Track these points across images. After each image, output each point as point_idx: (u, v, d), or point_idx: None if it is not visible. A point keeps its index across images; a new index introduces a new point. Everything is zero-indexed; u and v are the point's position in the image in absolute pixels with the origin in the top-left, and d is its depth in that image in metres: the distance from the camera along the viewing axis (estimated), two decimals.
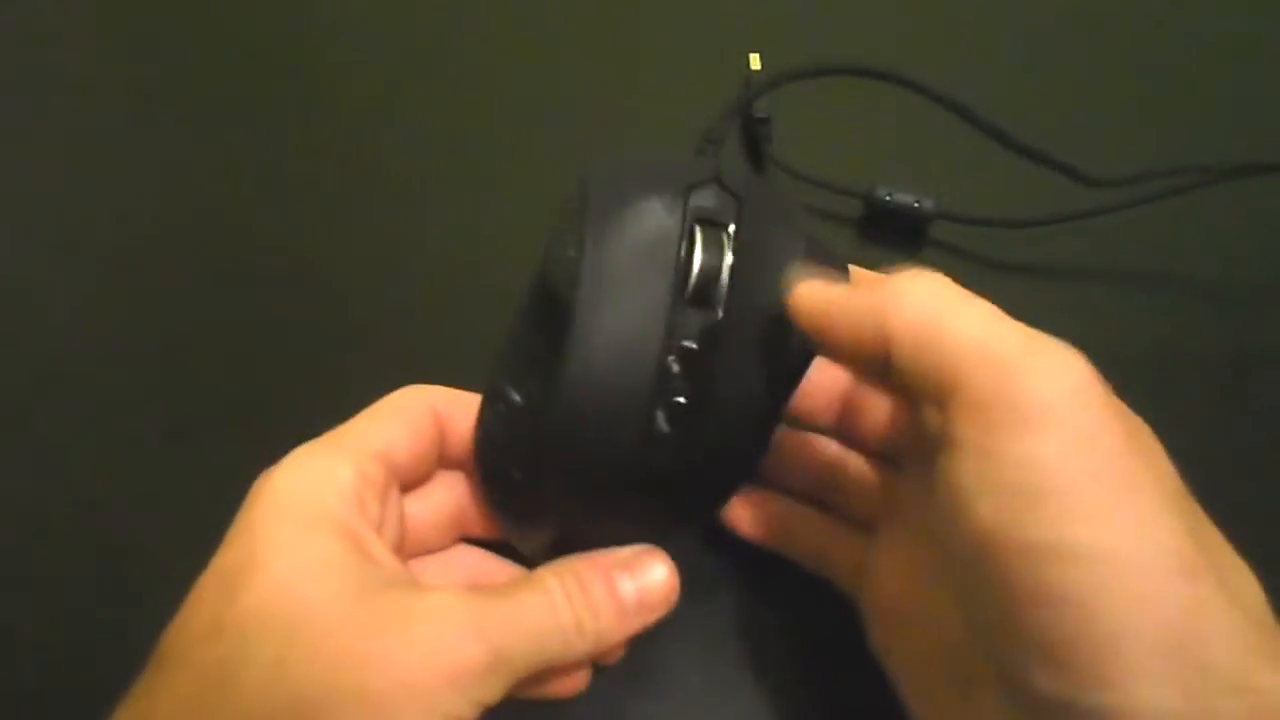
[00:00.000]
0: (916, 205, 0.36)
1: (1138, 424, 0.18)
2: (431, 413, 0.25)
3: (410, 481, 0.25)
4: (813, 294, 0.21)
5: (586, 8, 0.45)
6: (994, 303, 0.35)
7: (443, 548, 0.26)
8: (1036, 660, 0.16)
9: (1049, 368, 0.17)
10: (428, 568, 0.26)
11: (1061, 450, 0.17)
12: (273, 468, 0.23)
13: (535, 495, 0.23)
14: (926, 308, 0.19)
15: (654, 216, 0.21)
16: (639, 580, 0.23)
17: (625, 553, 0.23)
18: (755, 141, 0.39)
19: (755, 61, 0.41)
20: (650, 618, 0.23)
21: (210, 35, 0.45)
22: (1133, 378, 0.33)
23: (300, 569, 0.20)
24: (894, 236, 0.37)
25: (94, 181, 0.40)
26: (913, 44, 0.43)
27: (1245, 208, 0.36)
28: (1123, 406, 0.18)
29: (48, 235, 0.38)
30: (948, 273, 0.35)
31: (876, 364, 0.20)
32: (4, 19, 0.45)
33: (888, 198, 0.36)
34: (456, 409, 0.26)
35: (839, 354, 0.21)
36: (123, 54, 0.45)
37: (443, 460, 0.26)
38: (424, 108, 0.42)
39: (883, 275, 0.21)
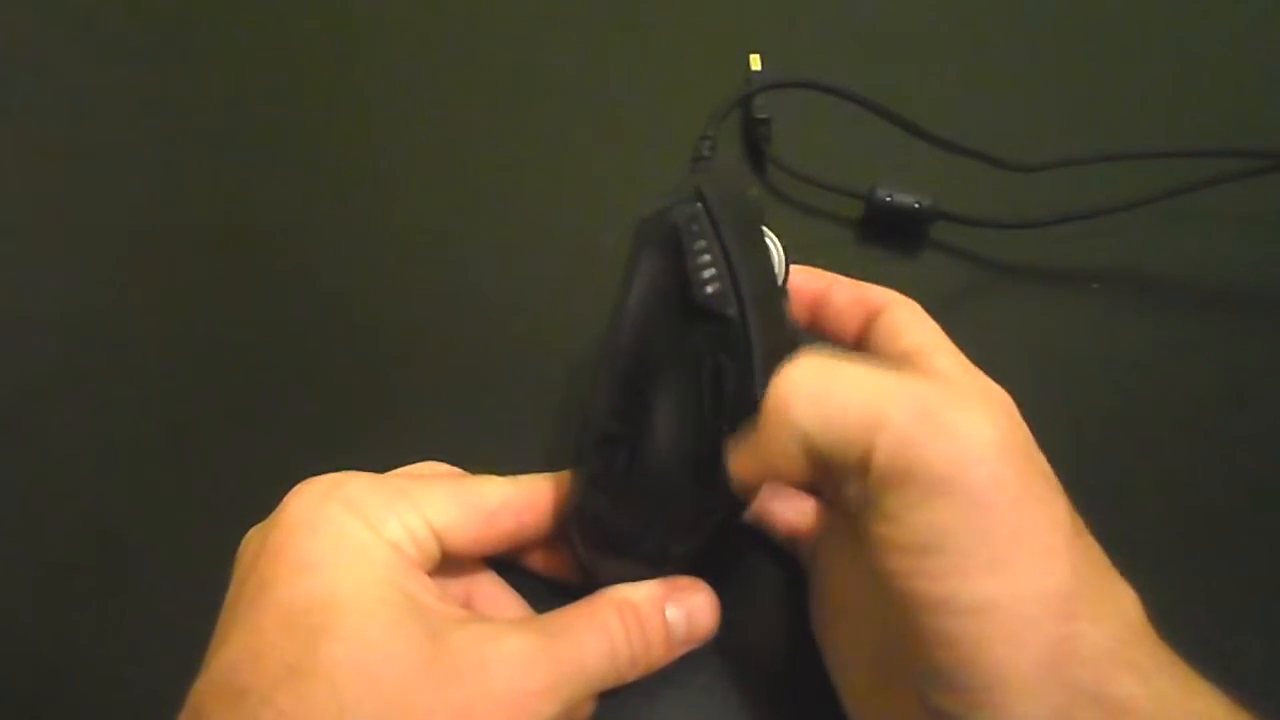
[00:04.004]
0: (916, 205, 0.36)
1: (1034, 474, 0.20)
2: (484, 507, 0.26)
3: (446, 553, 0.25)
4: (746, 464, 0.22)
5: (587, 9, 0.45)
6: (993, 303, 0.35)
7: None
8: (935, 684, 0.19)
9: (946, 436, 0.19)
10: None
11: (955, 515, 0.19)
12: (315, 490, 0.23)
13: (660, 523, 0.25)
14: (812, 383, 0.20)
15: (768, 248, 0.25)
16: (687, 610, 0.25)
17: (679, 583, 0.25)
18: (756, 143, 0.39)
19: (755, 62, 0.42)
20: (695, 645, 0.25)
21: (233, 40, 0.45)
22: (1131, 377, 0.33)
23: (375, 618, 0.21)
24: (894, 237, 0.37)
25: (99, 184, 0.40)
26: (912, 42, 0.44)
27: (1246, 208, 0.36)
28: (1022, 455, 0.20)
29: (52, 237, 0.38)
30: (948, 273, 0.36)
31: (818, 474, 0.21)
32: (10, 21, 0.45)
33: (888, 198, 0.36)
34: (510, 506, 0.26)
35: (808, 483, 0.22)
36: (133, 57, 0.45)
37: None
38: (423, 109, 0.42)
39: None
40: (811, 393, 0.20)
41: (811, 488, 0.29)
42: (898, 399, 0.20)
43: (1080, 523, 0.21)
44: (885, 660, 0.23)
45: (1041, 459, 0.22)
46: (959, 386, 0.21)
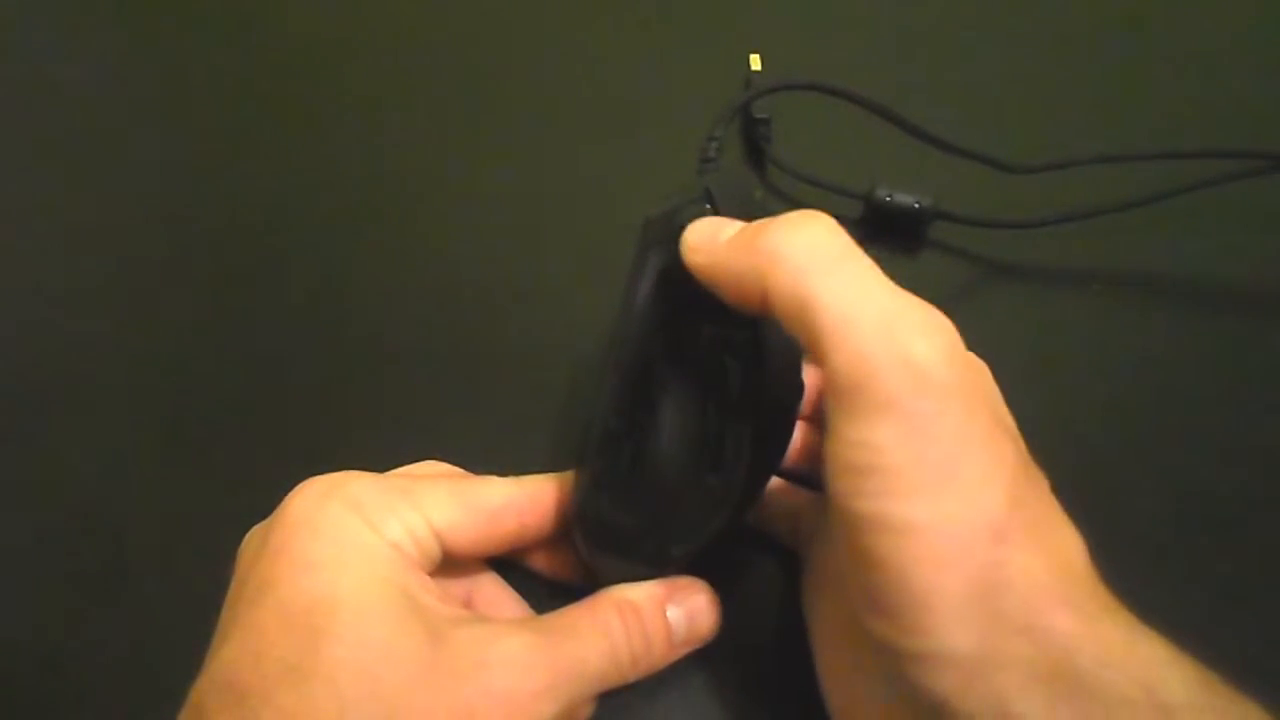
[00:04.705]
0: (916, 205, 0.36)
1: (982, 412, 0.20)
2: (486, 508, 0.26)
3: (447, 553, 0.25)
4: (701, 244, 0.22)
5: (588, 9, 0.45)
6: (993, 303, 0.35)
7: None
8: (871, 610, 0.19)
9: (897, 359, 0.19)
10: None
11: (892, 436, 0.19)
12: (317, 490, 0.23)
13: (665, 525, 0.24)
14: (798, 272, 0.20)
15: None
16: (688, 610, 0.25)
17: (680, 583, 0.25)
18: (755, 142, 0.39)
19: (755, 62, 0.41)
20: (696, 645, 0.25)
21: (233, 38, 0.45)
22: (1131, 377, 0.33)
23: (375, 618, 0.21)
24: (893, 237, 0.37)
25: (99, 185, 0.40)
26: (912, 42, 0.44)
27: (1246, 208, 0.36)
28: (974, 392, 0.20)
29: (52, 238, 0.38)
30: (947, 273, 0.36)
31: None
32: (17, 25, 0.45)
33: (887, 198, 0.36)
34: (513, 506, 0.26)
35: (731, 303, 0.22)
36: (134, 56, 0.45)
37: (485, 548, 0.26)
38: (426, 110, 0.42)
39: (768, 223, 0.21)
40: (800, 264, 0.20)
41: (808, 476, 0.29)
42: (869, 310, 0.19)
43: (1034, 470, 0.21)
44: (845, 616, 0.23)
45: (1000, 404, 0.22)
46: (922, 311, 0.20)
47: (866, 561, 0.19)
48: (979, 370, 0.23)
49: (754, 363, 0.23)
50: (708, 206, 0.23)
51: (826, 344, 0.19)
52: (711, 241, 0.22)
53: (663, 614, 0.24)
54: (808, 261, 0.20)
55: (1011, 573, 0.18)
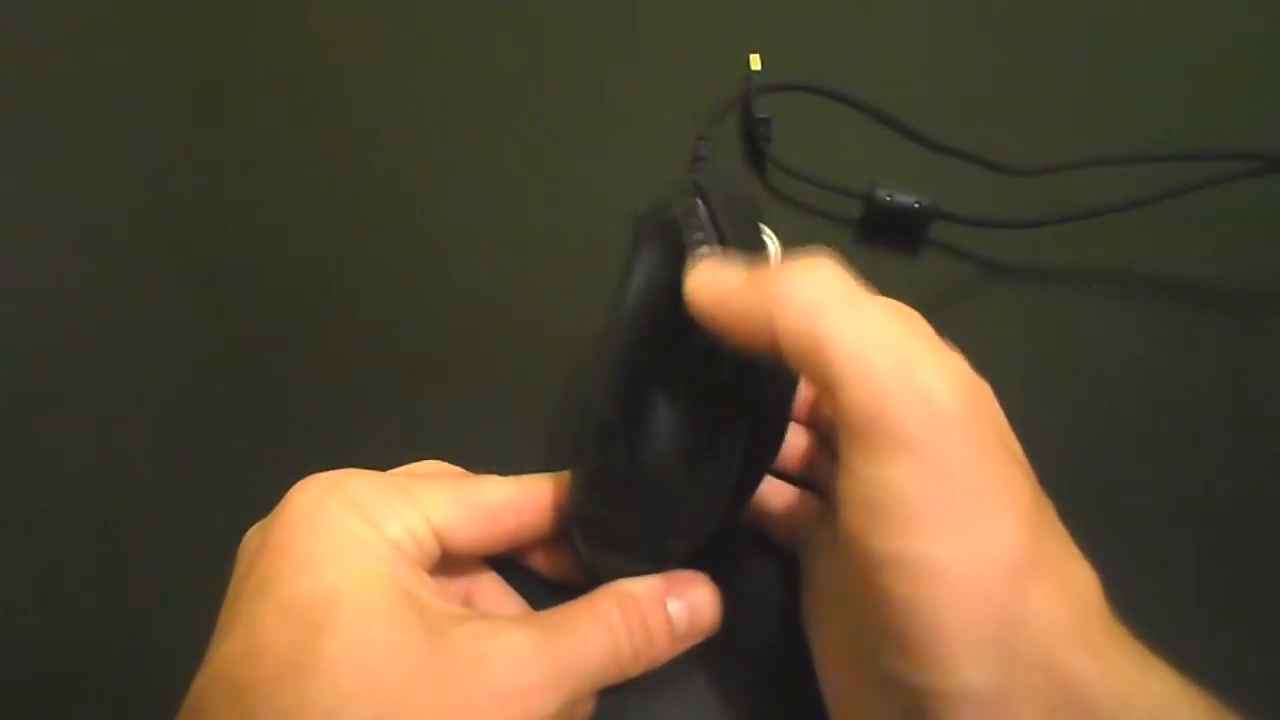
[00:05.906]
0: (916, 205, 0.36)
1: (997, 445, 0.20)
2: (485, 506, 0.26)
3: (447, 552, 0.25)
4: (706, 288, 0.22)
5: (587, 8, 0.45)
6: (993, 303, 0.35)
7: None
8: (885, 645, 0.19)
9: (913, 396, 0.19)
10: None
11: (910, 474, 0.19)
12: (317, 488, 0.23)
13: (666, 517, 0.25)
14: (808, 314, 0.20)
15: (765, 244, 0.25)
16: (688, 603, 0.25)
17: (680, 577, 0.25)
18: (756, 142, 0.39)
19: (755, 62, 0.42)
20: (698, 639, 0.25)
21: (231, 40, 0.45)
22: (1131, 377, 0.33)
23: (375, 615, 0.21)
24: (894, 237, 0.37)
25: (96, 184, 0.40)
26: (911, 43, 0.44)
27: (1244, 209, 0.36)
28: (988, 424, 0.20)
29: (50, 237, 0.38)
30: (947, 273, 0.36)
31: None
32: (8, 26, 0.45)
33: (888, 198, 0.36)
34: (511, 506, 0.26)
35: (738, 346, 0.22)
36: (134, 56, 0.45)
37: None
38: (422, 108, 0.42)
39: (774, 267, 0.21)
40: (810, 306, 0.20)
41: (807, 479, 0.29)
42: (883, 348, 0.19)
43: (1044, 500, 0.21)
44: (855, 642, 0.23)
45: (1008, 432, 0.22)
46: (935, 348, 0.20)
47: (883, 598, 0.19)
48: (985, 395, 0.22)
49: (747, 357, 0.23)
50: (697, 201, 0.23)
51: (841, 382, 0.19)
52: (716, 286, 0.22)
53: (663, 607, 0.24)
54: (819, 302, 0.20)
55: (1029, 609, 0.18)
